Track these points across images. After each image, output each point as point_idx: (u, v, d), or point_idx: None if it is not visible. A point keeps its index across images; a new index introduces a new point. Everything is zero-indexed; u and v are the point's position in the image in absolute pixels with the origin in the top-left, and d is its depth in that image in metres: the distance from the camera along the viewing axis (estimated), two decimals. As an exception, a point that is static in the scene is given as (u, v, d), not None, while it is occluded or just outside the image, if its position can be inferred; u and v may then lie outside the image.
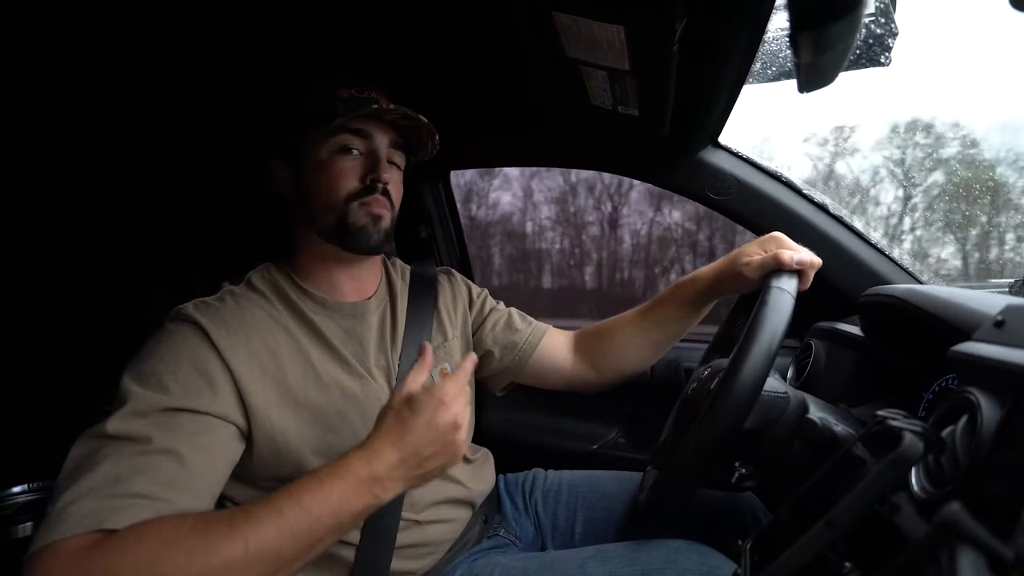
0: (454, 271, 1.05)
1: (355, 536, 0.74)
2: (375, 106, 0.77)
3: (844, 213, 1.05)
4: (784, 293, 0.67)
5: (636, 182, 1.25)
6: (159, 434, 0.58)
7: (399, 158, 0.84)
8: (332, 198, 0.77)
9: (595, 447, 1.33)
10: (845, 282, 1.02)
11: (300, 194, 0.81)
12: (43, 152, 1.28)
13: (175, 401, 0.61)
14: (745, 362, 0.59)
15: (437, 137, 0.83)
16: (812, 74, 0.48)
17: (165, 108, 1.17)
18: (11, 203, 1.29)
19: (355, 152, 0.78)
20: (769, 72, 0.84)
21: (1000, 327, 0.48)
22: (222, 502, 0.69)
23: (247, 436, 0.68)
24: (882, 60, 0.74)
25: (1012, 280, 1.00)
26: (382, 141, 0.80)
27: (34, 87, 1.06)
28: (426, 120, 0.79)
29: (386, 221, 0.80)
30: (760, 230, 1.04)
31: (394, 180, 0.82)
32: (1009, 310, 0.49)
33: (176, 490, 0.57)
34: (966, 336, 0.51)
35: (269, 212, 0.90)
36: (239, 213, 1.28)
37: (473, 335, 0.99)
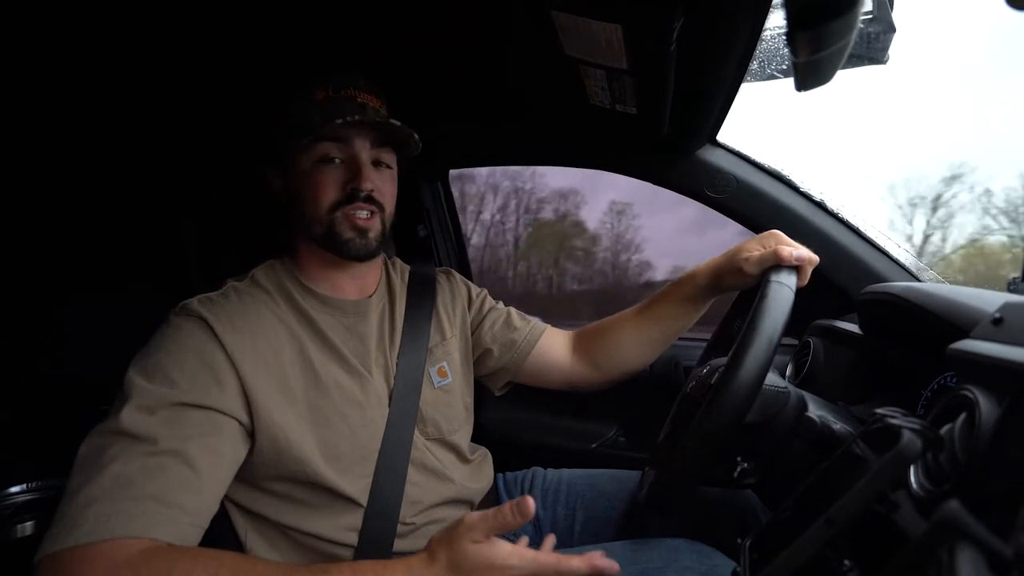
0: (453, 271, 1.05)
1: (353, 538, 0.74)
2: (347, 118, 0.74)
3: (842, 210, 1.05)
4: (784, 287, 0.68)
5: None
6: (167, 434, 0.59)
7: (388, 156, 0.82)
8: (317, 209, 0.77)
9: (594, 445, 1.34)
10: (844, 280, 1.02)
11: (291, 202, 0.81)
12: (41, 154, 1.27)
13: (182, 396, 0.61)
14: (747, 354, 0.58)
15: (416, 136, 0.80)
16: (810, 72, 0.48)
17: (165, 109, 1.16)
18: (10, 203, 1.29)
19: (337, 160, 0.77)
20: (767, 70, 0.84)
21: (998, 325, 0.48)
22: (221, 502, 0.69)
23: (250, 434, 0.68)
24: (880, 58, 0.75)
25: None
26: (363, 146, 0.78)
27: (34, 91, 1.06)
28: (398, 123, 0.77)
29: (375, 230, 0.79)
30: (759, 228, 1.04)
31: (384, 179, 0.81)
32: (1007, 307, 0.49)
33: (187, 493, 0.58)
34: (964, 334, 0.51)
35: (270, 212, 0.90)
36: (241, 213, 1.28)
37: (472, 334, 0.99)
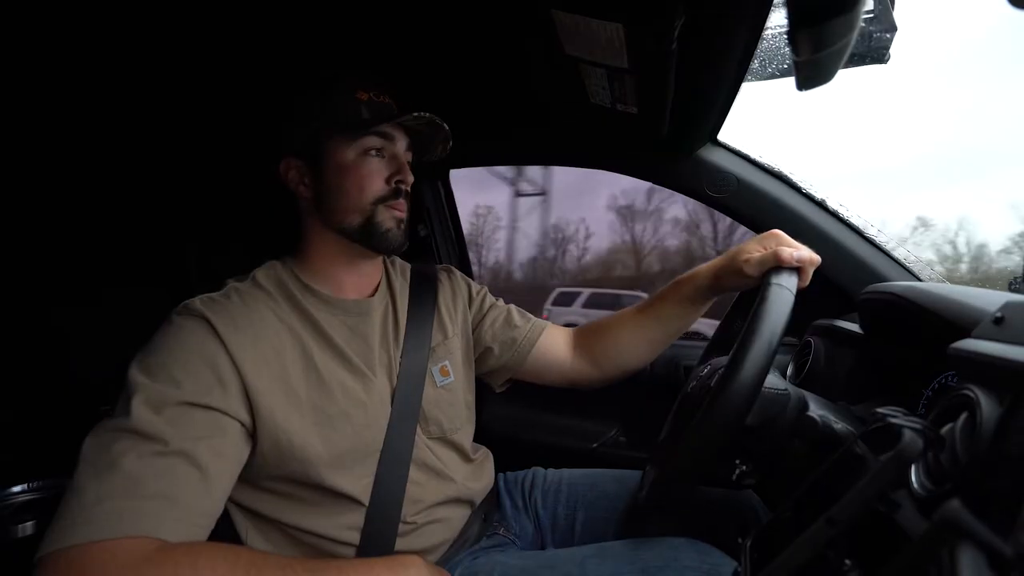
0: (454, 269, 1.05)
1: (355, 537, 0.74)
2: (412, 115, 0.78)
3: (843, 210, 1.05)
4: (784, 290, 0.67)
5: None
6: (174, 434, 0.59)
7: (409, 158, 0.85)
8: (359, 200, 0.79)
9: (595, 445, 1.34)
10: (844, 279, 1.02)
11: (318, 193, 0.80)
12: (41, 154, 1.27)
13: (187, 396, 0.61)
14: (746, 358, 0.58)
15: (450, 143, 0.86)
16: (811, 72, 0.48)
17: (168, 107, 1.16)
18: (10, 203, 1.29)
19: (378, 154, 0.80)
20: (768, 70, 0.84)
21: (999, 324, 0.48)
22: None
23: (252, 435, 0.68)
24: (881, 57, 0.74)
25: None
26: (402, 144, 0.82)
27: (38, 89, 1.05)
28: (447, 127, 0.82)
29: (405, 222, 0.83)
30: (759, 228, 1.04)
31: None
32: (1008, 307, 0.49)
33: (195, 495, 0.58)
34: (965, 333, 0.51)
35: (274, 209, 0.90)
36: (241, 213, 1.28)
37: (473, 332, 0.99)
